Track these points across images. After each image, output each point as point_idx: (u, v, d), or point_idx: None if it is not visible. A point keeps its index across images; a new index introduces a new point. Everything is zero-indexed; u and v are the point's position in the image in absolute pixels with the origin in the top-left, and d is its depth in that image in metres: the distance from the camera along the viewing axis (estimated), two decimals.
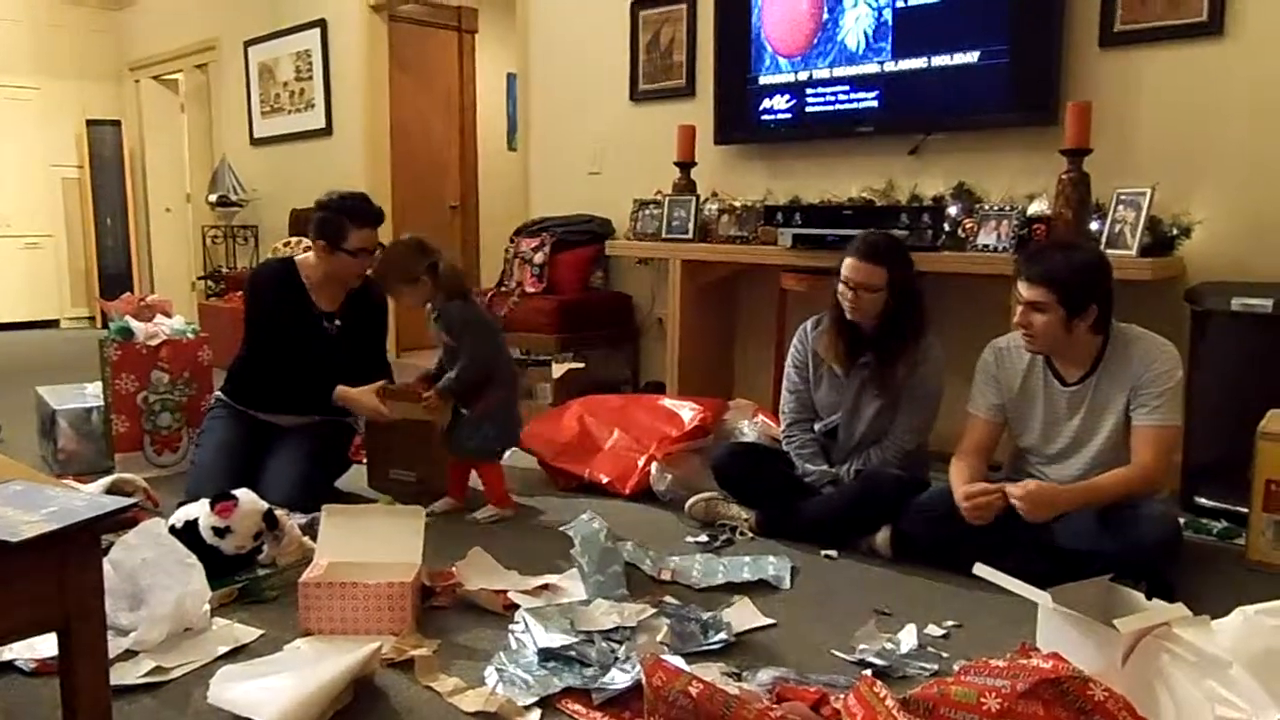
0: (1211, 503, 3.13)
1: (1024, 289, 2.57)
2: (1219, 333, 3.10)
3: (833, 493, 2.99)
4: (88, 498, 1.58)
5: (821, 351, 3.07)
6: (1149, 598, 2.03)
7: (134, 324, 3.73)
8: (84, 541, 1.48)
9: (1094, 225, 3.40)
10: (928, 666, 2.13)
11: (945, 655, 2.19)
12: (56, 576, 1.45)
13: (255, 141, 7.93)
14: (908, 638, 2.26)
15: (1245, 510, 2.83)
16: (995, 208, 3.62)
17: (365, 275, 3.34)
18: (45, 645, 2.03)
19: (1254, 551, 2.78)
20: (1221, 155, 3.38)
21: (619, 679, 2.00)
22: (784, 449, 3.18)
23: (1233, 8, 3.30)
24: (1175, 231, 3.33)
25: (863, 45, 4.13)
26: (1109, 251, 3.26)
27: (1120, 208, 3.31)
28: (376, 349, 3.52)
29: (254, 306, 3.35)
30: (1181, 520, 2.81)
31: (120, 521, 2.51)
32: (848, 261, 2.93)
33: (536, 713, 1.94)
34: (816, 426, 3.14)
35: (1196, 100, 3.41)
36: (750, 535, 3.03)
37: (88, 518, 1.44)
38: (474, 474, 3.33)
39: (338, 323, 3.34)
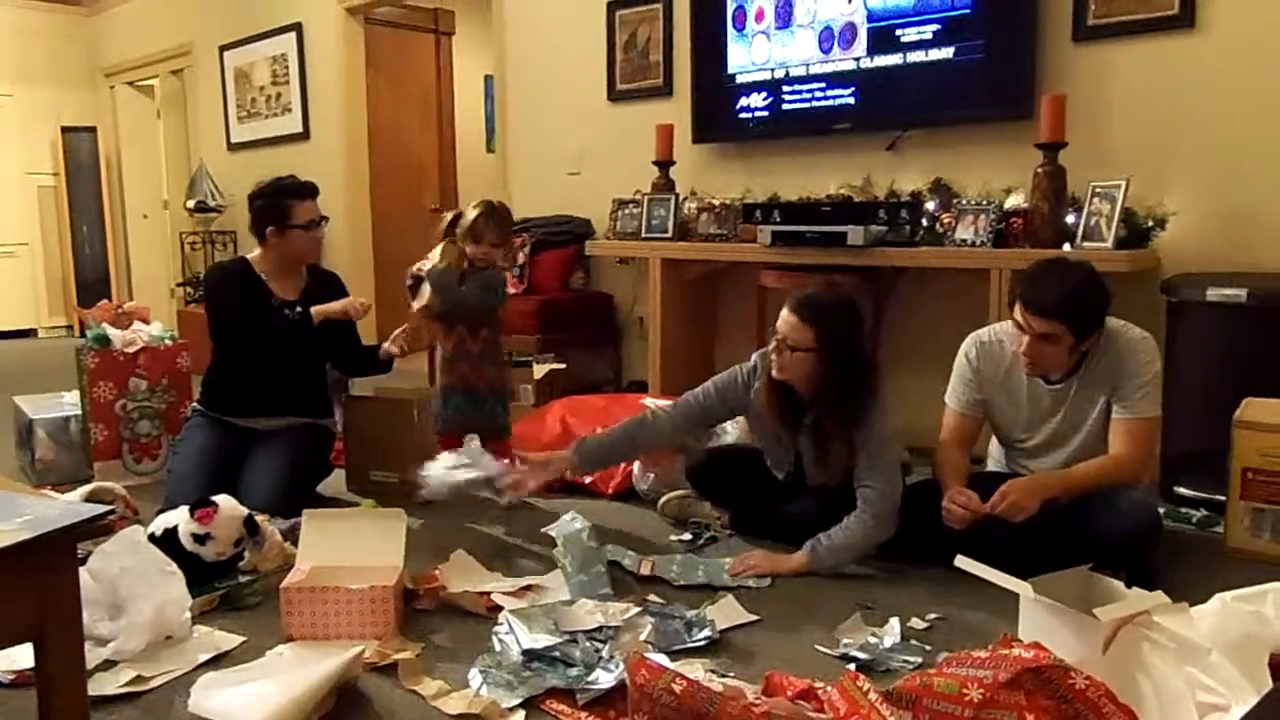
0: (1190, 491, 3.15)
1: (1036, 323, 2.51)
2: (1195, 323, 3.12)
3: (807, 507, 2.84)
4: (63, 505, 1.57)
5: (758, 404, 2.82)
6: (1129, 586, 2.05)
7: (111, 331, 3.70)
8: (60, 550, 1.46)
9: (1070, 218, 3.42)
10: (911, 659, 2.13)
11: (928, 648, 2.19)
12: (32, 586, 1.43)
13: (232, 146, 7.88)
14: (891, 631, 2.27)
15: (1223, 499, 2.85)
16: (972, 202, 3.63)
17: (318, 255, 3.47)
18: (23, 656, 2.01)
19: (1232, 539, 2.80)
20: (1194, 147, 3.40)
21: (603, 679, 2.00)
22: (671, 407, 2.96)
23: (1203, 1, 3.32)
24: (1150, 223, 3.35)
25: (838, 41, 4.14)
26: (1085, 245, 3.29)
27: (1095, 200, 3.33)
28: (348, 330, 3.50)
29: (216, 306, 3.35)
30: (1161, 509, 2.83)
31: (98, 529, 2.52)
32: (781, 312, 2.68)
33: (521, 714, 1.93)
34: (771, 467, 2.94)
35: (1169, 93, 3.44)
36: (730, 532, 3.02)
37: (63, 525, 1.43)
38: None
39: (299, 310, 3.32)
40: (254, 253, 3.39)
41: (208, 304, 3.40)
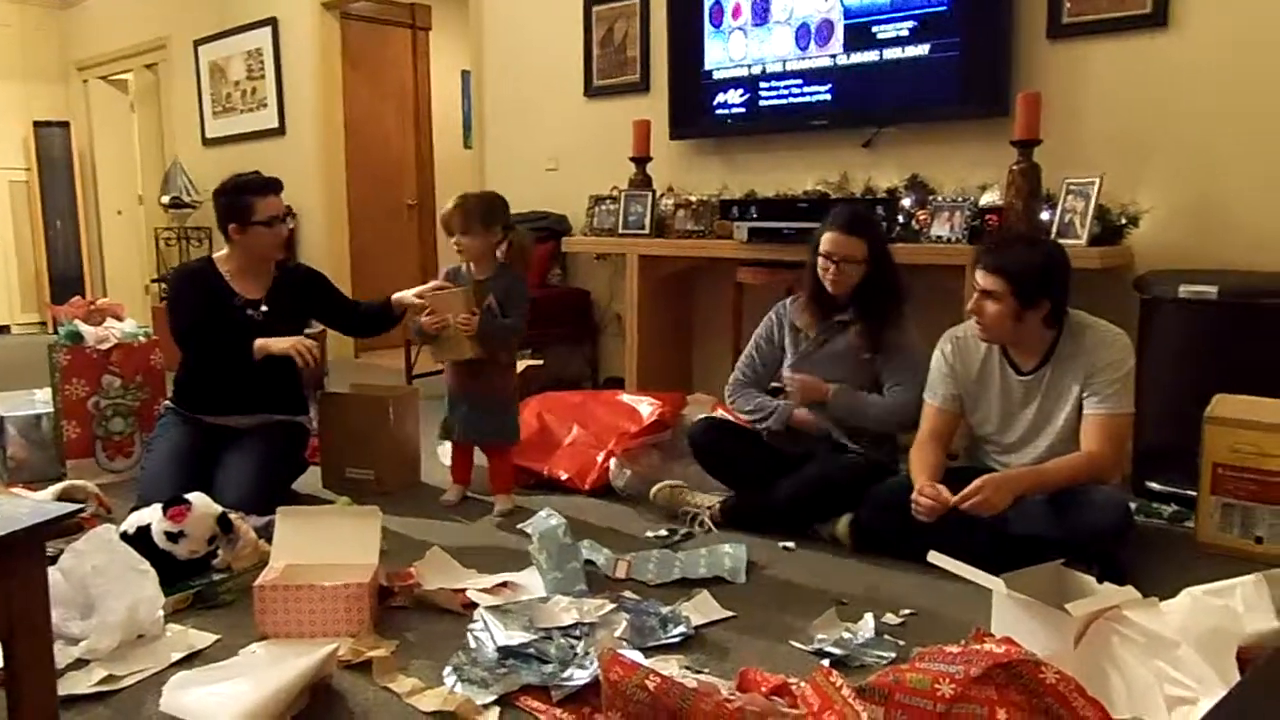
0: (1161, 487, 3.18)
1: (980, 276, 2.60)
2: (1167, 319, 3.14)
3: (800, 475, 2.98)
4: (31, 504, 1.56)
5: (802, 325, 3.12)
6: (1100, 581, 2.07)
7: (84, 328, 3.67)
8: (27, 548, 1.45)
9: (1044, 215, 3.44)
10: (885, 655, 2.15)
11: (902, 643, 2.21)
12: None
13: (207, 142, 7.83)
14: (865, 627, 2.28)
15: (1194, 494, 2.88)
16: (948, 199, 3.65)
17: (282, 251, 3.39)
18: None
19: (1202, 534, 2.83)
20: (1167, 145, 3.43)
21: (578, 675, 2.00)
22: (729, 403, 3.27)
23: (1176, 0, 3.35)
24: (1123, 220, 3.38)
25: (815, 38, 4.15)
26: (1059, 241, 3.31)
27: (1070, 197, 3.35)
28: (341, 303, 3.52)
29: (175, 308, 3.31)
30: (1132, 505, 2.85)
31: (69, 528, 2.50)
32: (828, 235, 2.99)
33: (495, 711, 1.93)
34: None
35: (1142, 91, 3.46)
36: (710, 528, 3.03)
37: (30, 524, 1.42)
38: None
39: (264, 309, 3.30)
40: (221, 251, 3.37)
41: (167, 308, 3.37)
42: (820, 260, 3.01)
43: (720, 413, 3.60)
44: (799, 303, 3.15)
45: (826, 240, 3.00)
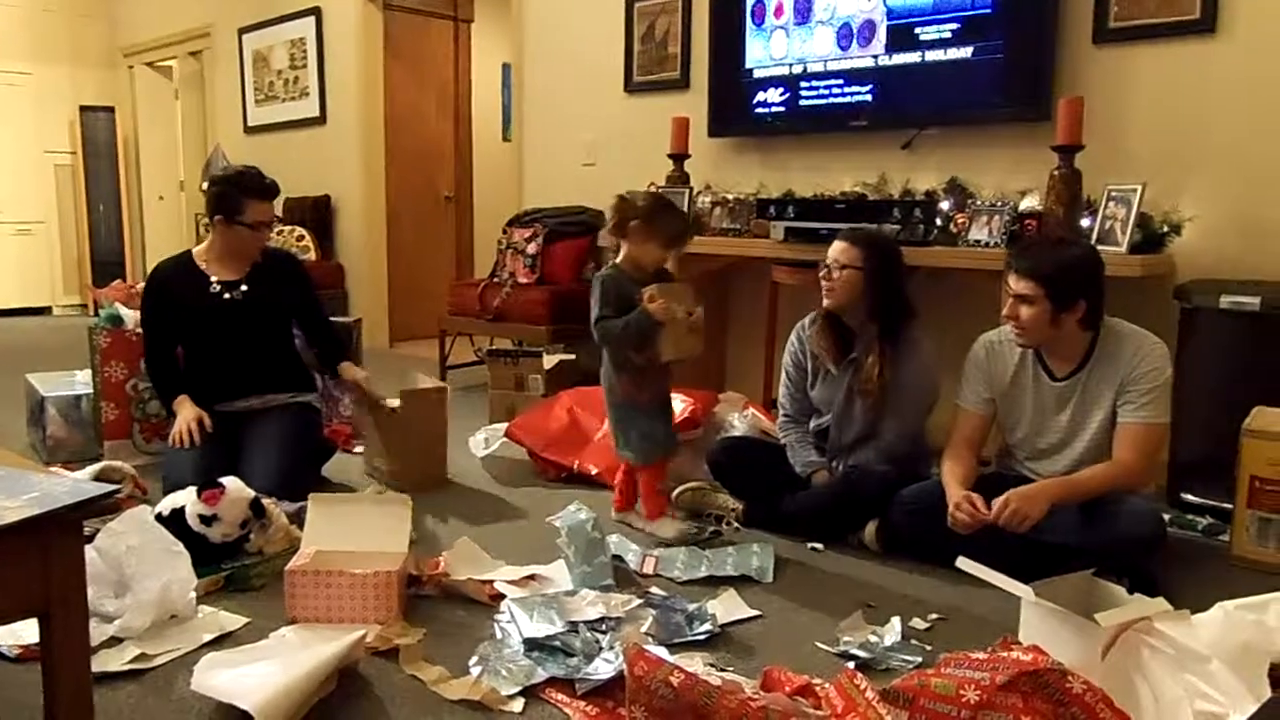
0: (1197, 499, 3.14)
1: (1013, 281, 2.58)
2: (1207, 330, 3.10)
3: (818, 489, 2.99)
4: (70, 483, 1.58)
5: (814, 348, 3.07)
6: (1131, 592, 2.04)
7: (124, 311, 3.72)
8: (66, 527, 1.47)
9: (1085, 221, 3.40)
10: (911, 659, 2.14)
11: (929, 648, 2.19)
12: (38, 562, 1.44)
13: (249, 129, 7.91)
14: (892, 630, 2.27)
15: (1230, 507, 2.84)
16: (987, 203, 3.62)
17: (268, 249, 3.42)
18: (29, 631, 2.03)
19: (1238, 547, 2.79)
20: (1212, 153, 3.38)
21: (603, 669, 2.01)
22: (779, 441, 3.19)
23: (1225, 6, 3.30)
24: (1165, 229, 3.34)
25: (857, 38, 4.13)
26: (1099, 248, 3.27)
27: (1111, 204, 3.32)
28: (313, 316, 3.54)
29: (152, 305, 3.34)
30: (1167, 516, 2.82)
31: (106, 508, 2.53)
32: (833, 243, 2.98)
33: (520, 702, 1.94)
34: (812, 424, 3.15)
35: (1188, 97, 3.42)
36: (736, 526, 3.03)
37: (69, 503, 1.44)
38: None
39: (244, 288, 3.33)
40: (202, 245, 3.43)
41: (145, 309, 3.39)
42: (822, 272, 2.98)
43: (751, 411, 3.60)
44: (815, 325, 3.08)
45: (831, 247, 2.98)
